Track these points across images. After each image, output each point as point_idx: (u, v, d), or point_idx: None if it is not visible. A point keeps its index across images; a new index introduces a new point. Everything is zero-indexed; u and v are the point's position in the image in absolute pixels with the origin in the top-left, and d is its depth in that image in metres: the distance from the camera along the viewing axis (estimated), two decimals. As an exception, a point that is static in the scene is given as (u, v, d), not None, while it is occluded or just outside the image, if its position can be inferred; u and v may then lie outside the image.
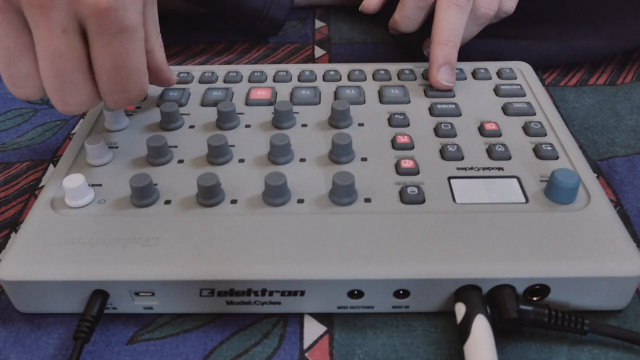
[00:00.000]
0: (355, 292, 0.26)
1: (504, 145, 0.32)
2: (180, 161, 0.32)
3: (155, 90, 0.39)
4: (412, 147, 0.33)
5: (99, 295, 0.26)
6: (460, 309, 0.25)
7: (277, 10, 0.49)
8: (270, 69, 0.41)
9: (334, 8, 0.58)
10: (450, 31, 0.37)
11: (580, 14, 0.47)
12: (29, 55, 0.27)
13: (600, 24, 0.46)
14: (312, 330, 0.27)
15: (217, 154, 0.32)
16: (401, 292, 0.26)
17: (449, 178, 0.31)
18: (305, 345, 0.26)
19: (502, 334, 0.26)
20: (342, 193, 0.29)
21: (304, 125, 0.35)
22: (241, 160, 0.32)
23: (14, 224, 0.33)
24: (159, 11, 0.57)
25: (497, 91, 0.38)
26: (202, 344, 0.26)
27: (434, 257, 0.26)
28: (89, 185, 0.30)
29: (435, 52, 0.37)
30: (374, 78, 0.39)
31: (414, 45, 0.46)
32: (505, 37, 0.46)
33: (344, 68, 0.41)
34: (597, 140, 0.38)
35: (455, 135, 0.34)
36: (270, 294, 0.26)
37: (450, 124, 0.34)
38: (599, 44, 0.45)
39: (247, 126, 0.35)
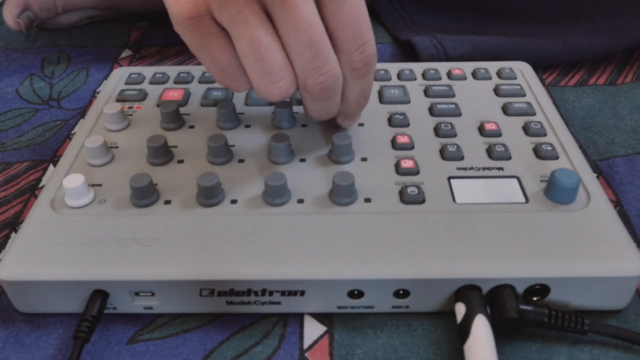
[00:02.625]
0: (355, 292, 0.26)
1: (504, 145, 0.32)
2: (180, 161, 0.32)
3: (155, 90, 0.39)
4: (412, 147, 0.33)
5: (99, 295, 0.26)
6: (460, 309, 0.25)
7: None
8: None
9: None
10: None
11: (580, 12, 0.47)
12: (278, 43, 0.27)
13: (601, 22, 0.46)
14: (312, 330, 0.27)
15: (217, 154, 0.32)
16: (401, 292, 0.26)
17: (449, 178, 0.31)
18: (305, 345, 0.26)
19: (502, 334, 0.26)
20: (342, 193, 0.29)
21: (304, 126, 0.35)
22: (241, 160, 0.32)
23: (14, 224, 0.33)
24: (159, 11, 0.57)
25: (497, 91, 0.38)
26: (202, 344, 0.26)
27: (434, 257, 0.26)
28: (89, 185, 0.30)
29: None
30: (374, 78, 0.39)
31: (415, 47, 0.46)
32: (506, 35, 0.46)
33: (344, 68, 0.41)
34: (597, 140, 0.38)
35: (455, 135, 0.34)
36: (270, 294, 0.26)
37: (450, 124, 0.34)
38: (599, 41, 0.45)
39: (247, 126, 0.35)
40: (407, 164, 0.31)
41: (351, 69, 0.28)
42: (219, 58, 0.28)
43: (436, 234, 0.27)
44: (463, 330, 0.25)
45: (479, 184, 0.30)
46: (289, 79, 0.27)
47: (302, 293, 0.26)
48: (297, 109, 0.36)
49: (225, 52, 0.27)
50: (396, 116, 0.35)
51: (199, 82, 0.40)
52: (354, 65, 0.28)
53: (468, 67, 0.40)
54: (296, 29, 0.26)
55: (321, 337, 0.27)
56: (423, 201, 0.29)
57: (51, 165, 0.38)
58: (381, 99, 0.37)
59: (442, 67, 0.40)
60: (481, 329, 0.24)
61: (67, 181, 0.29)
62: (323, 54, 0.27)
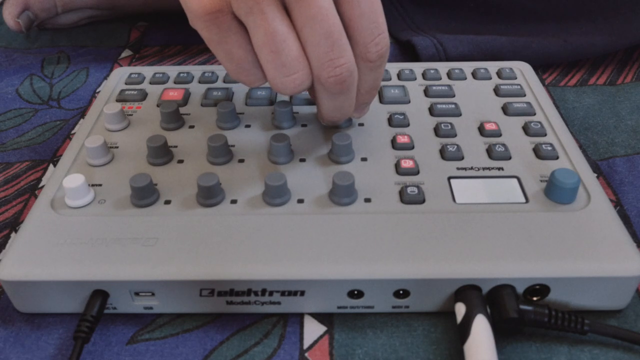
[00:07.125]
0: (355, 292, 0.26)
1: (504, 145, 0.32)
2: (180, 161, 0.32)
3: (155, 90, 0.39)
4: (412, 147, 0.33)
5: (99, 295, 0.26)
6: (460, 309, 0.25)
7: None
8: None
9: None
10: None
11: (580, 11, 0.47)
12: (294, 35, 0.27)
13: (601, 21, 0.46)
14: (312, 330, 0.27)
15: (217, 154, 0.32)
16: (401, 292, 0.26)
17: (449, 178, 0.31)
18: (305, 345, 0.26)
19: (502, 334, 0.26)
20: (342, 193, 0.29)
21: (304, 125, 0.35)
22: (241, 160, 0.32)
23: (14, 224, 0.33)
24: (159, 11, 0.56)
25: (497, 91, 0.38)
26: (202, 344, 0.27)
27: (434, 257, 0.26)
28: (89, 185, 0.30)
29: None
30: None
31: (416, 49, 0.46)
32: (506, 34, 0.46)
33: (344, 68, 0.41)
34: (597, 140, 0.38)
35: (455, 135, 0.34)
36: (270, 294, 0.26)
37: (450, 124, 0.34)
38: (599, 40, 0.45)
39: (247, 126, 0.35)
40: (407, 164, 0.31)
41: (366, 60, 0.28)
42: (236, 53, 0.28)
43: (436, 234, 0.27)
44: (463, 330, 0.25)
45: (479, 184, 0.30)
46: (303, 72, 0.27)
47: (302, 293, 0.26)
48: (297, 108, 0.36)
49: (242, 48, 0.27)
50: (396, 116, 0.35)
51: (199, 82, 0.40)
52: (370, 57, 0.28)
53: (468, 67, 0.40)
54: (312, 20, 0.26)
55: (321, 337, 0.27)
56: (423, 201, 0.29)
57: (51, 165, 0.38)
58: (381, 99, 0.37)
59: (442, 67, 0.40)
60: (481, 329, 0.24)
61: (67, 181, 0.29)
62: (339, 45, 0.27)
